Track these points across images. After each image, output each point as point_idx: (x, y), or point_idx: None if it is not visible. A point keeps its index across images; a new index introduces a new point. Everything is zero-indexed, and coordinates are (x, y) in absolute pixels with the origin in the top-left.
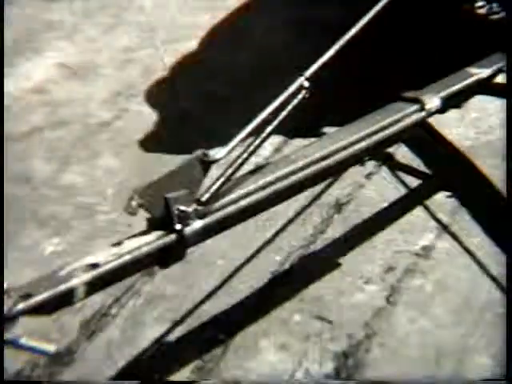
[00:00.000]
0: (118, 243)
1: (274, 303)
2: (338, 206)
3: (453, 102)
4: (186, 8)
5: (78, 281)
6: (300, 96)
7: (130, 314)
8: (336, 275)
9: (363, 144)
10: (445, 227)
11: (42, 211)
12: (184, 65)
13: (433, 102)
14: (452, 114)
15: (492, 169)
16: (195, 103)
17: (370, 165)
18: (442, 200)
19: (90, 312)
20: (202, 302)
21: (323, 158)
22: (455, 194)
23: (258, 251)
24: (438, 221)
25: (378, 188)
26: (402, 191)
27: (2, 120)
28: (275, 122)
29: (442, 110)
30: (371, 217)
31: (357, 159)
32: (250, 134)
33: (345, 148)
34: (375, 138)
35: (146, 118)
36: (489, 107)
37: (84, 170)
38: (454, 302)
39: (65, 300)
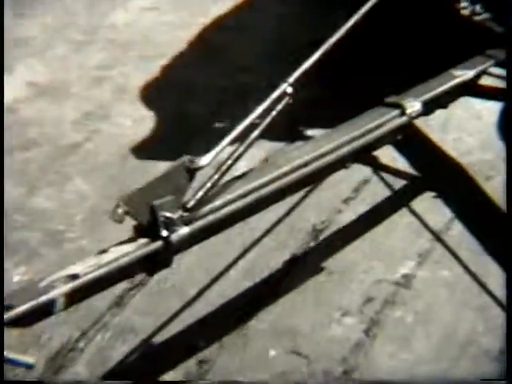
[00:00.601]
0: (104, 251)
1: (248, 337)
2: (315, 233)
3: (435, 105)
4: (160, 25)
5: (58, 292)
6: (283, 102)
7: (98, 349)
8: (312, 306)
9: (346, 149)
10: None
11: (10, 238)
12: (157, 84)
13: (414, 106)
14: (431, 134)
15: None
16: (170, 123)
17: (348, 189)
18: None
19: (57, 346)
20: (173, 335)
21: (307, 164)
22: (441, 194)
23: (234, 280)
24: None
25: (356, 214)
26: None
27: (2, 121)
28: (260, 128)
29: (424, 114)
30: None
31: (340, 164)
32: (234, 140)
33: (328, 153)
34: (357, 143)
35: (118, 139)
36: (468, 127)
37: (53, 194)
38: (436, 335)
39: (45, 311)
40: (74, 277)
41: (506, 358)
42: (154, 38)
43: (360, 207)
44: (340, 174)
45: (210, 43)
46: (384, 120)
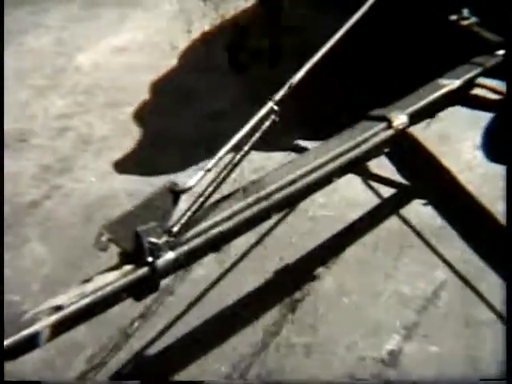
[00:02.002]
0: (89, 279)
1: None
2: (293, 304)
3: (421, 116)
4: (127, 67)
5: (43, 324)
6: (270, 120)
7: None
8: None
9: (332, 165)
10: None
11: None
12: (125, 132)
13: (400, 119)
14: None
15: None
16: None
17: (327, 253)
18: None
19: None
20: None
21: (293, 182)
22: (431, 202)
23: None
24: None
25: (336, 279)
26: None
27: (2, 122)
28: (246, 148)
29: (410, 125)
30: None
31: (327, 180)
32: (219, 161)
33: (314, 170)
34: (344, 158)
35: (80, 197)
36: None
37: (9, 259)
38: None
39: (30, 344)
40: (59, 308)
41: (506, 358)
42: (121, 82)
43: (342, 272)
44: None
45: (180, 87)
46: (371, 134)
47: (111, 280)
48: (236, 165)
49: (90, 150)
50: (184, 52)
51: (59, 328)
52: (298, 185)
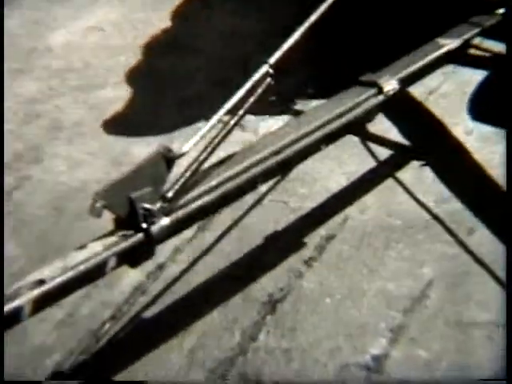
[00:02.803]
0: (83, 246)
1: None
2: (272, 304)
3: (414, 79)
4: (101, 49)
5: (25, 299)
6: (265, 83)
7: None
8: None
9: (322, 132)
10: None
11: None
12: (98, 117)
13: (391, 84)
14: (408, 175)
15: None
16: (111, 168)
17: (310, 249)
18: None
19: None
20: None
21: (285, 147)
22: (430, 163)
23: (177, 370)
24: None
25: (319, 278)
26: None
27: (2, 122)
28: (241, 113)
29: (401, 90)
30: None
31: (317, 146)
32: (214, 126)
33: (305, 136)
34: (334, 124)
35: (51, 187)
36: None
37: None
38: None
39: (13, 319)
40: (41, 282)
41: (505, 358)
42: (94, 64)
43: (323, 271)
44: None
45: (154, 69)
46: (360, 100)
47: (105, 247)
48: (231, 129)
49: (62, 138)
50: (161, 30)
51: (42, 303)
52: (290, 150)
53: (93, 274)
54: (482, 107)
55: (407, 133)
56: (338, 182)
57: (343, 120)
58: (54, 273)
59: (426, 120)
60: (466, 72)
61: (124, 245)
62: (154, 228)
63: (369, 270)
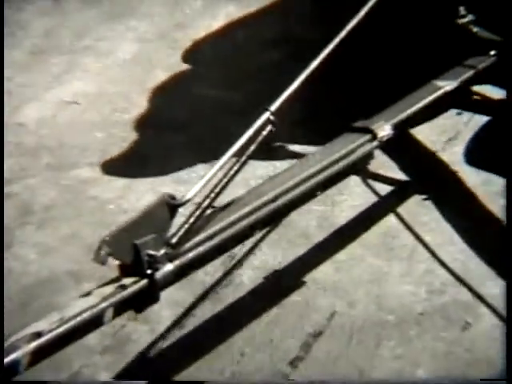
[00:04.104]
0: (88, 293)
1: None
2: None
3: (408, 125)
4: (75, 124)
5: (21, 352)
6: (266, 131)
7: None
8: None
9: (316, 180)
10: None
11: None
12: (70, 200)
13: (385, 130)
14: (397, 267)
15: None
16: (83, 257)
17: (295, 348)
18: None
19: None
20: None
21: (281, 195)
22: (431, 196)
23: None
24: None
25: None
26: None
27: (3, 122)
28: (243, 159)
29: (396, 135)
30: None
31: (312, 195)
32: (217, 173)
33: (300, 184)
34: (328, 172)
35: (16, 278)
36: (438, 253)
37: None
38: None
39: (10, 372)
40: (37, 335)
41: (505, 358)
42: (67, 142)
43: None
44: None
45: (131, 146)
46: (354, 146)
47: (110, 294)
48: (233, 176)
49: (33, 222)
50: (139, 104)
51: (39, 355)
52: (285, 199)
53: (90, 325)
54: (478, 153)
55: (406, 168)
56: (325, 271)
57: (337, 167)
58: (50, 325)
59: (423, 155)
60: None
61: (129, 291)
62: (159, 274)
63: (359, 372)
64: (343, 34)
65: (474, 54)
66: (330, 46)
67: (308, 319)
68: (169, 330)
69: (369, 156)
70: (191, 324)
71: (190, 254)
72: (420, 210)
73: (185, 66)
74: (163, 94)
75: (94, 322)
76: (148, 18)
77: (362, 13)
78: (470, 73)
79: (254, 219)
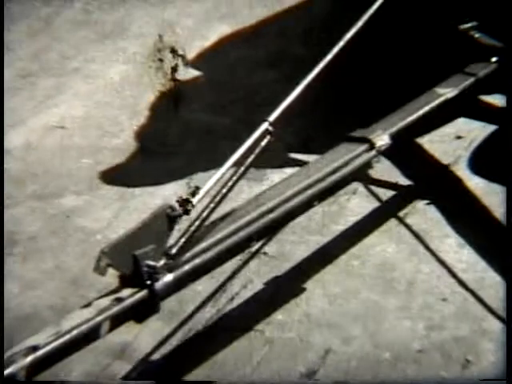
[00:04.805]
0: (88, 304)
1: None
2: None
3: (406, 134)
4: (62, 150)
5: (18, 366)
6: (265, 141)
7: None
8: None
9: (313, 190)
10: None
11: None
12: (55, 230)
13: (382, 139)
14: (394, 301)
15: None
16: (67, 291)
17: None
18: None
19: None
20: None
21: (278, 206)
22: (435, 202)
23: None
24: None
25: None
26: None
27: (2, 128)
28: (242, 170)
29: (394, 144)
30: None
31: (309, 204)
32: (216, 183)
33: (297, 194)
34: (325, 182)
35: None
36: (437, 285)
37: None
38: None
39: None
40: (34, 349)
41: (505, 358)
42: (53, 169)
43: None
44: None
45: (120, 173)
46: (351, 156)
47: (110, 305)
48: (232, 186)
49: (16, 253)
50: (128, 129)
51: (36, 369)
52: (282, 209)
53: (87, 338)
54: (482, 162)
55: (409, 173)
56: (319, 305)
57: (334, 177)
58: (47, 339)
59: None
60: None
61: (129, 302)
62: (158, 285)
63: None
64: (342, 43)
65: (475, 61)
66: (329, 55)
67: (301, 357)
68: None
69: (367, 165)
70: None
71: (190, 265)
72: (417, 240)
73: (175, 89)
74: (152, 119)
75: (91, 335)
76: (138, 39)
77: (360, 23)
78: (471, 80)
79: (252, 229)
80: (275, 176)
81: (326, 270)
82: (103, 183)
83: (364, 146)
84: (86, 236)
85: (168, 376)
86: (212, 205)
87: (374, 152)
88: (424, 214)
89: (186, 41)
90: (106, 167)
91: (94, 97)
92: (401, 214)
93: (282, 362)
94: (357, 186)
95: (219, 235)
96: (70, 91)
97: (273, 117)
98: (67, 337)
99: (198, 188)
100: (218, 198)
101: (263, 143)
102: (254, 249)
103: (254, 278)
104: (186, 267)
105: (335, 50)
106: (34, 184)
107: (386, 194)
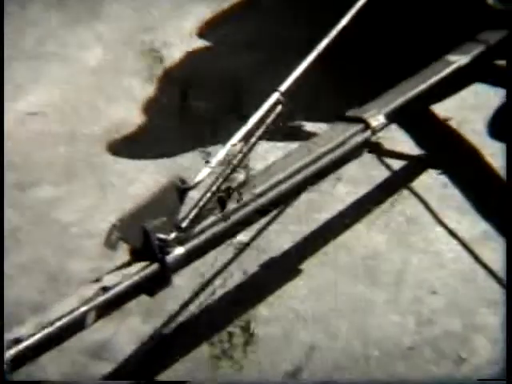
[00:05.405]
0: (98, 279)
1: None
2: None
3: (401, 113)
4: (41, 137)
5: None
6: (276, 111)
7: None
8: None
9: (309, 170)
10: None
11: None
12: (34, 222)
13: (377, 120)
14: (382, 294)
15: None
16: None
17: None
18: None
19: None
20: None
21: (272, 187)
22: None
23: None
24: None
25: None
26: None
27: (3, 122)
28: (253, 141)
29: (390, 123)
30: None
31: (305, 185)
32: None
33: (293, 175)
34: (320, 163)
35: None
36: (429, 280)
37: None
38: None
39: None
40: (17, 341)
41: (505, 358)
42: (31, 157)
43: None
44: None
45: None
46: (347, 136)
47: (121, 279)
48: (243, 157)
49: None
50: (107, 116)
51: (22, 359)
52: (276, 192)
53: (72, 329)
54: (500, 126)
55: (421, 142)
56: (304, 300)
57: (329, 158)
58: (31, 330)
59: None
60: None
61: (140, 275)
62: (169, 258)
63: None
64: (353, 11)
65: (488, 28)
66: (339, 25)
67: (286, 354)
68: None
69: (363, 145)
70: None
71: (200, 238)
72: (407, 228)
73: (153, 72)
74: (131, 104)
75: (76, 326)
76: (115, 22)
77: None
78: (483, 47)
79: (262, 202)
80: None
81: (311, 262)
82: (80, 172)
83: (359, 126)
84: (64, 228)
85: (147, 375)
86: (222, 177)
87: (369, 132)
88: (412, 201)
89: (163, 23)
90: (84, 156)
91: (71, 82)
92: (388, 201)
93: (266, 360)
94: (341, 171)
95: (229, 208)
96: (46, 76)
97: (284, 87)
98: (51, 328)
99: (208, 162)
100: (228, 170)
101: (274, 113)
102: (235, 240)
103: (235, 271)
104: (197, 240)
105: (345, 18)
106: (12, 174)
107: (372, 179)
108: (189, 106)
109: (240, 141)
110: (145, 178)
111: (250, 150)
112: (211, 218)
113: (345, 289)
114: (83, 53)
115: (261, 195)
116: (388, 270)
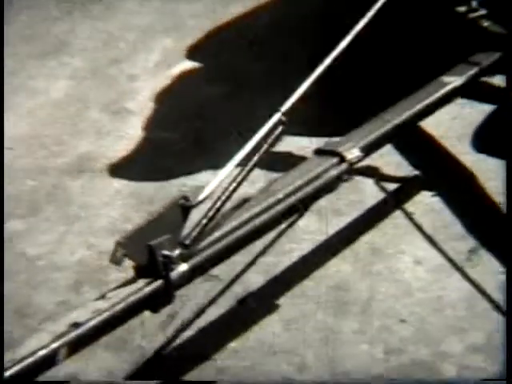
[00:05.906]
0: (103, 296)
1: None
2: None
3: (378, 146)
4: (9, 171)
5: (60, 342)
6: (278, 131)
7: None
8: None
9: (282, 206)
10: None
11: None
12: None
13: (352, 153)
14: (351, 324)
15: None
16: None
17: None
18: None
19: None
20: None
21: (247, 222)
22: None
23: None
24: None
25: None
26: None
27: (2, 123)
28: (254, 160)
29: (366, 156)
30: None
31: (278, 220)
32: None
33: (264, 211)
34: (292, 199)
35: None
36: (396, 307)
37: None
38: None
39: (48, 363)
40: (76, 325)
41: (505, 358)
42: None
43: None
44: None
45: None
46: (321, 171)
47: (126, 295)
48: (245, 176)
49: None
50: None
51: (77, 345)
52: (249, 226)
53: (126, 316)
54: (485, 140)
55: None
56: (274, 332)
57: (302, 193)
58: (87, 316)
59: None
60: None
61: (144, 292)
62: (173, 274)
63: None
64: (354, 32)
65: (482, 50)
66: (342, 45)
67: None
68: None
69: (339, 179)
70: None
71: (204, 254)
72: (373, 258)
73: (119, 105)
74: (97, 136)
75: (128, 313)
76: (82, 54)
77: (371, 13)
78: (476, 69)
79: (265, 218)
80: None
81: (280, 293)
82: (47, 205)
83: (333, 160)
84: (30, 262)
85: None
86: (225, 195)
87: (344, 166)
88: (379, 230)
89: (130, 55)
90: (50, 189)
91: (37, 114)
92: (355, 230)
93: None
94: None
95: (233, 224)
96: (12, 110)
97: (285, 107)
98: (107, 314)
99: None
100: (231, 188)
101: (276, 133)
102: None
103: (204, 302)
104: (201, 256)
105: (346, 41)
106: None
107: (340, 209)
108: (154, 138)
109: (241, 161)
110: (111, 210)
111: (253, 168)
112: (215, 235)
113: (314, 320)
114: (51, 85)
115: (271, 207)
116: (355, 299)
